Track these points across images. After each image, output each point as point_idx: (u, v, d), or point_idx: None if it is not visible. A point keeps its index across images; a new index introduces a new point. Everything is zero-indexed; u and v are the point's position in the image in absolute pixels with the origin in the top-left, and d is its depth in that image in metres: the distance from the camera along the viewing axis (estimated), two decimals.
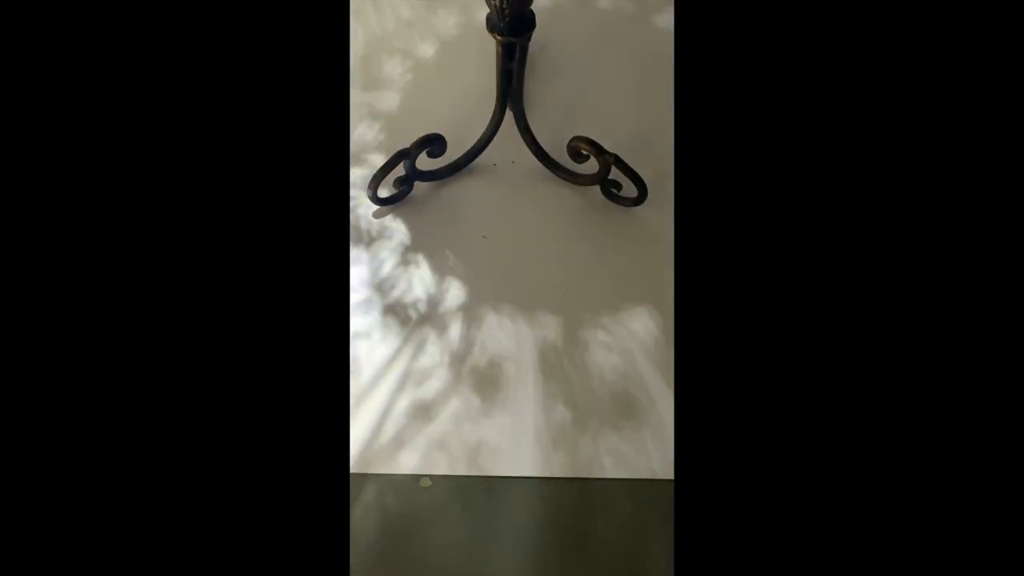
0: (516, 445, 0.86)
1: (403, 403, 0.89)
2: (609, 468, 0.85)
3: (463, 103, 1.13)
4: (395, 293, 0.98)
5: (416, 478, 0.84)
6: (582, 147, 0.97)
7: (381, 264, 1.00)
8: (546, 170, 1.06)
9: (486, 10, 0.82)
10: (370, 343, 0.93)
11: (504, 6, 0.75)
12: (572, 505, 0.82)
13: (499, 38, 0.81)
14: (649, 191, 0.99)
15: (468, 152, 1.05)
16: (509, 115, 0.99)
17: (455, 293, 0.98)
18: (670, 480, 0.83)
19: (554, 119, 1.12)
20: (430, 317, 0.95)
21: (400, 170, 1.00)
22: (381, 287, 0.98)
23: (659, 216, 1.04)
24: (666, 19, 1.28)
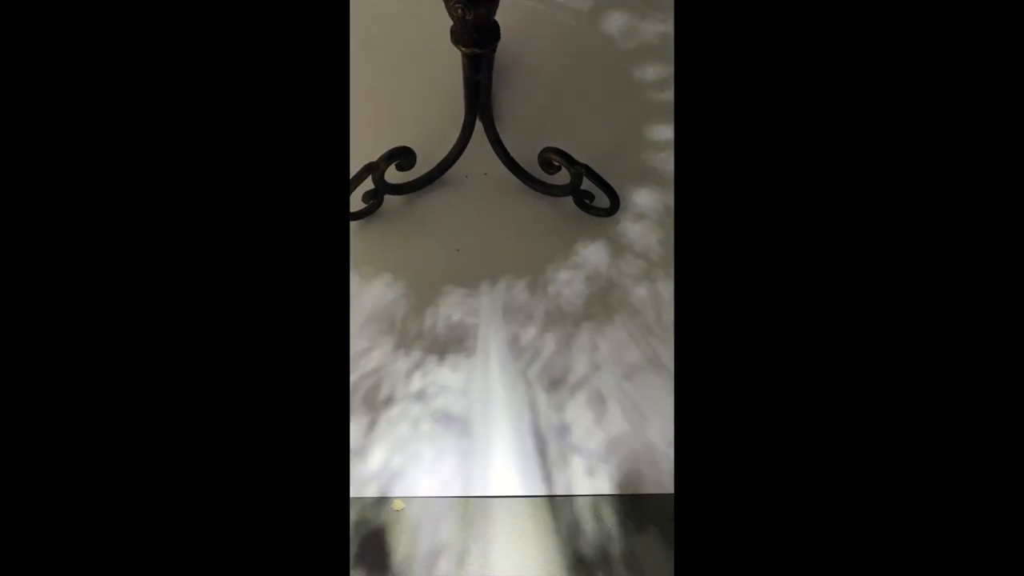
0: (499, 461, 0.85)
1: (368, 421, 0.87)
2: (592, 483, 0.83)
3: (433, 115, 1.12)
4: (368, 308, 0.96)
5: (388, 501, 0.82)
6: (553, 158, 0.96)
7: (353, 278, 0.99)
8: (519, 181, 1.05)
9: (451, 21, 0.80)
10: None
11: (467, 18, 0.74)
12: (561, 522, 0.81)
13: (464, 50, 0.80)
14: (621, 201, 0.98)
15: (439, 164, 1.04)
16: (480, 126, 0.97)
17: (430, 306, 0.96)
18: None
19: (527, 130, 1.11)
20: (404, 331, 0.94)
21: (369, 184, 0.98)
22: (353, 302, 0.97)
23: (632, 225, 1.03)
24: (640, 30, 1.27)
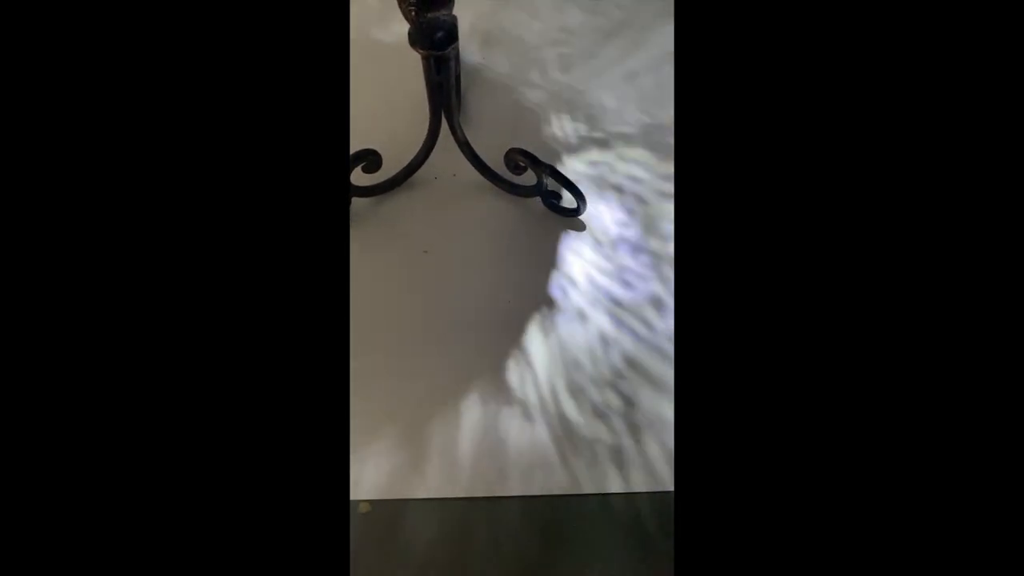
0: (471, 463, 0.85)
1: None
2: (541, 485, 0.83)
3: (401, 117, 1.11)
4: None
5: (354, 503, 0.82)
6: (519, 159, 0.96)
7: None
8: (487, 182, 1.05)
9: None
10: None
11: (421, 20, 0.74)
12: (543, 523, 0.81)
13: (421, 52, 0.80)
14: (588, 201, 0.98)
15: (407, 166, 1.04)
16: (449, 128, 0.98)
17: (398, 309, 0.96)
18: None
19: (496, 131, 1.11)
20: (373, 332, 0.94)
21: None
22: None
23: (600, 225, 1.03)
24: (606, 28, 1.28)
